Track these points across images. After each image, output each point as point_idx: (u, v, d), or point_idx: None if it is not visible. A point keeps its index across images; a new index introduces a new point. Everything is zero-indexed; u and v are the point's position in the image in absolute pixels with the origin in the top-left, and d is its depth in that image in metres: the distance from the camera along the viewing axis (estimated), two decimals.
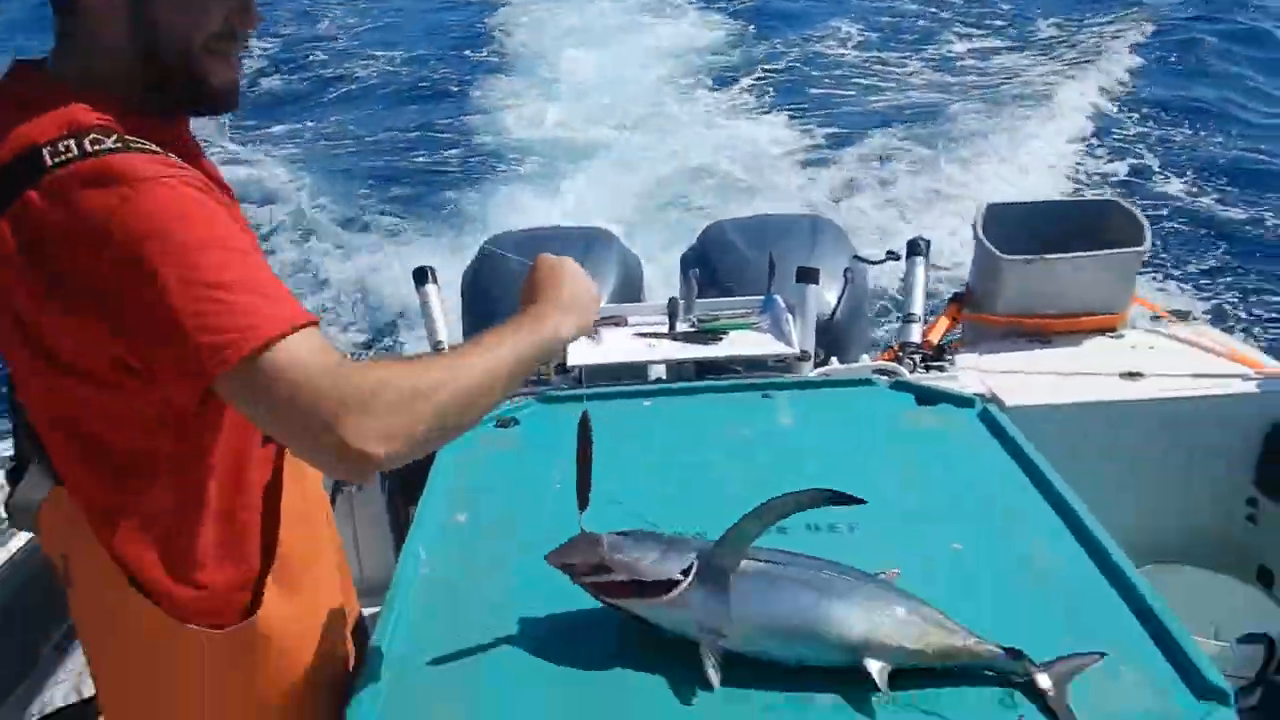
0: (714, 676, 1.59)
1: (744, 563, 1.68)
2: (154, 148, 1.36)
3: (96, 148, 1.31)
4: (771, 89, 12.90)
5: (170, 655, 1.58)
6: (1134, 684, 1.58)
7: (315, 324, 1.34)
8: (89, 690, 2.58)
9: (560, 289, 1.61)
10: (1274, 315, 7.63)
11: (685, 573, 1.65)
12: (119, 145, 1.32)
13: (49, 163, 1.30)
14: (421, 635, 1.80)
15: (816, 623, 1.61)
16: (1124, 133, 11.08)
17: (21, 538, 2.96)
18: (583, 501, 1.72)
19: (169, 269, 1.26)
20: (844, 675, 1.60)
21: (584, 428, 1.74)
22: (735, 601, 1.64)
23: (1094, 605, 1.78)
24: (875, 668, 1.57)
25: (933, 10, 16.33)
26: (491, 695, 1.65)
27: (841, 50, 14.59)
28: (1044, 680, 1.56)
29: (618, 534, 1.72)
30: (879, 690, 1.56)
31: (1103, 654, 1.60)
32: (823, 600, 1.63)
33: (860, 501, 1.70)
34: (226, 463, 1.56)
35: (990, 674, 1.61)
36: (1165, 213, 9.10)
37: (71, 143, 1.31)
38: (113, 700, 1.71)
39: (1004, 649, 1.59)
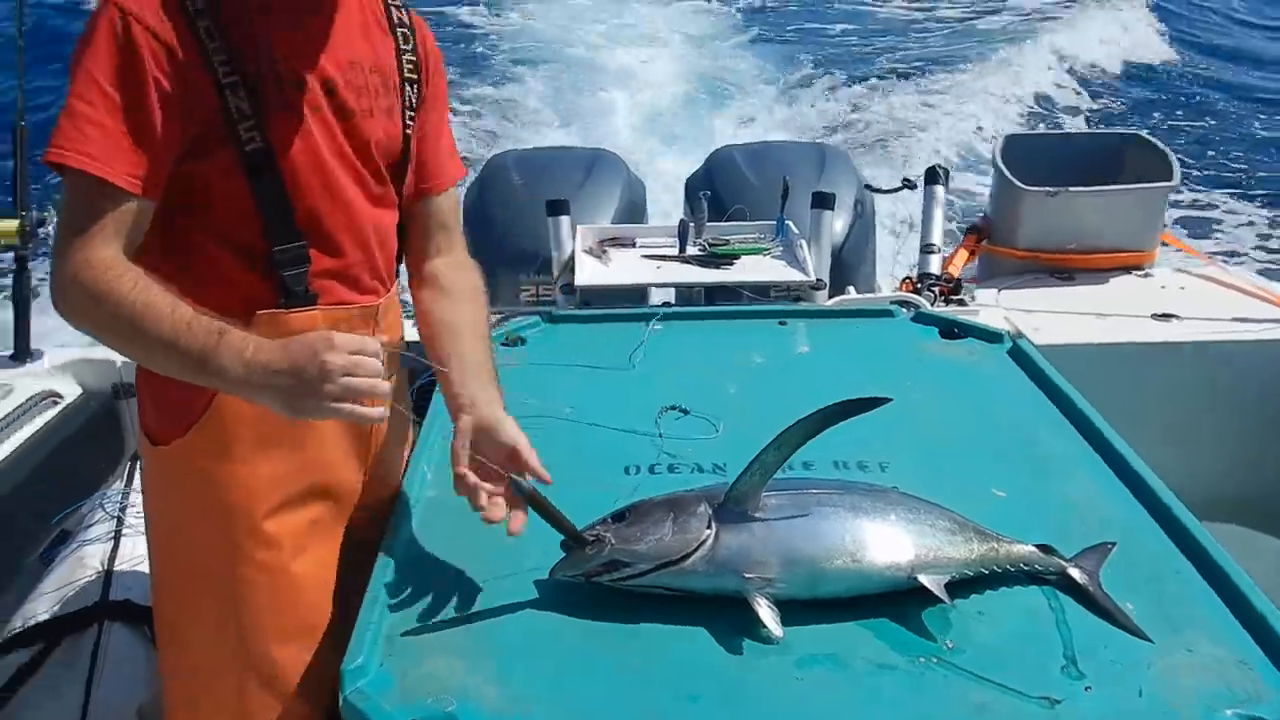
0: (775, 626, 1.46)
1: (765, 499, 1.57)
2: None
3: None
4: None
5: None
6: (1212, 657, 1.44)
7: (94, 177, 1.52)
8: (75, 606, 2.52)
9: (276, 367, 1.49)
10: None
11: (706, 528, 1.53)
12: None
13: None
14: (424, 564, 1.69)
15: (864, 546, 1.53)
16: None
17: (14, 442, 2.88)
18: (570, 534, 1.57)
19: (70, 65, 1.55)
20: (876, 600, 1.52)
21: (535, 502, 1.57)
22: (773, 541, 1.53)
23: (1156, 563, 1.66)
24: (933, 583, 1.50)
25: None
26: (503, 641, 1.51)
27: None
28: (1077, 573, 1.58)
29: (614, 520, 1.57)
30: (930, 607, 1.51)
31: (1114, 543, 1.64)
32: (863, 521, 1.56)
33: (885, 400, 1.60)
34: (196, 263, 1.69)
35: (1023, 573, 1.60)
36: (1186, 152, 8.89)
37: None
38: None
39: (1038, 546, 1.60)
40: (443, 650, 1.48)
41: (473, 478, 1.59)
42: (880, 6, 13.33)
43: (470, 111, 9.70)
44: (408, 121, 1.85)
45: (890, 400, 1.62)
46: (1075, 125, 9.40)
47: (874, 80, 10.51)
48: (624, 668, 1.44)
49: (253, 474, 1.71)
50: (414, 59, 1.86)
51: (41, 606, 2.56)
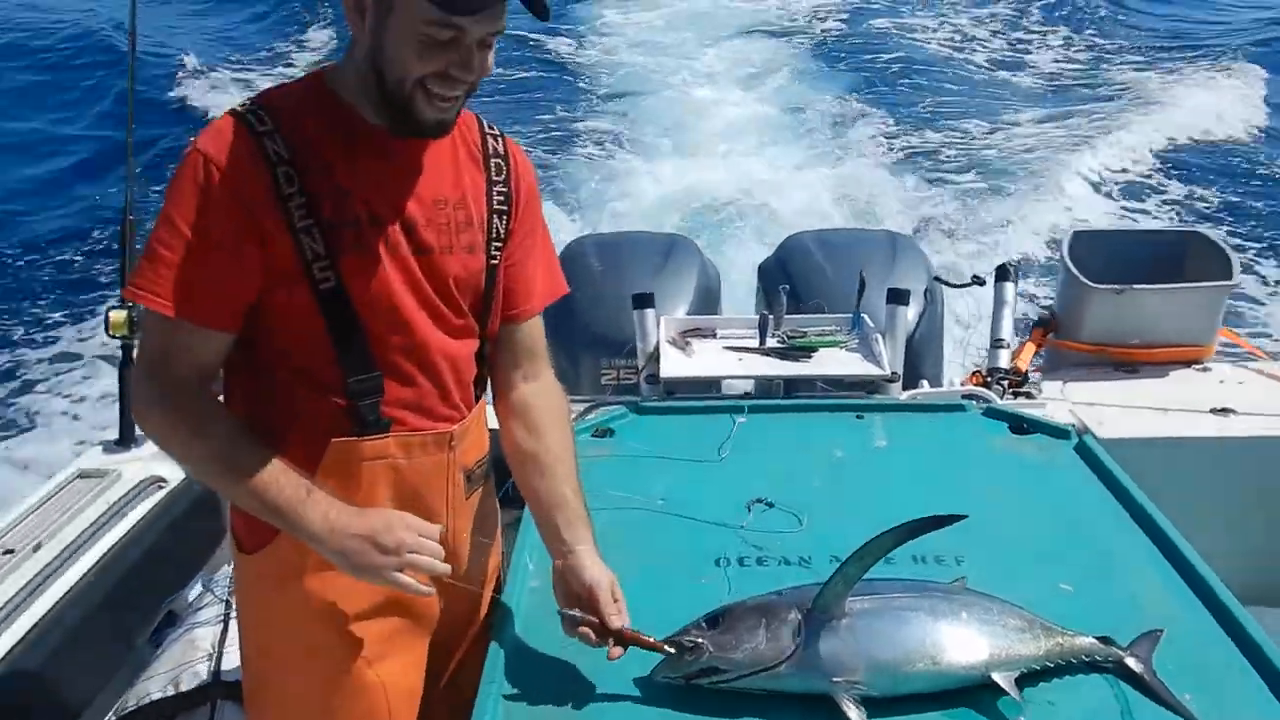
0: (860, 718, 1.60)
1: (850, 604, 1.70)
2: (262, 122, 1.71)
3: (239, 106, 1.75)
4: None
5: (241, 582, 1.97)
6: None
7: (161, 315, 1.67)
8: (186, 685, 2.64)
9: (347, 538, 1.67)
10: None
11: (796, 635, 1.66)
12: (240, 113, 1.72)
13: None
14: (532, 656, 1.84)
15: (942, 649, 1.66)
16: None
17: (122, 527, 3.04)
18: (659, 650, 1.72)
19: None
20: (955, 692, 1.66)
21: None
22: (860, 646, 1.66)
23: (1208, 652, 1.79)
24: (1005, 680, 1.64)
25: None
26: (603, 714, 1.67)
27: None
28: (1135, 663, 1.72)
29: (709, 625, 1.70)
30: (1004, 697, 1.64)
31: (1163, 630, 1.78)
32: (940, 625, 1.69)
33: (962, 517, 1.74)
34: (271, 391, 1.81)
35: (1084, 663, 1.73)
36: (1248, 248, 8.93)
37: (253, 99, 1.77)
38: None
39: (1098, 638, 1.75)
40: None
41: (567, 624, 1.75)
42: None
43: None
44: (493, 254, 1.91)
45: (966, 517, 1.75)
46: (1155, 210, 9.47)
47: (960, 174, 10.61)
48: None
49: (331, 585, 1.79)
50: (505, 190, 1.93)
51: (154, 686, 2.63)
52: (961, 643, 1.67)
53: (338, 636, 1.84)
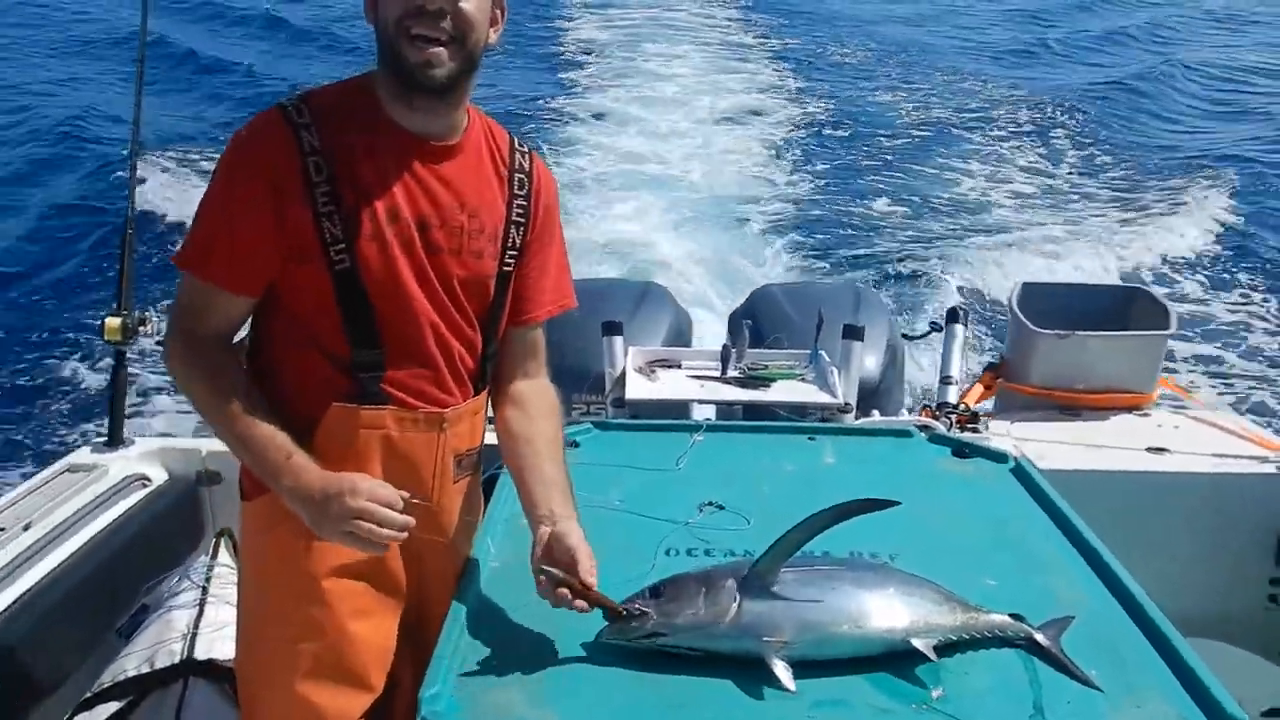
0: (788, 681, 1.73)
1: (783, 574, 1.85)
2: (301, 115, 1.92)
3: (284, 100, 1.95)
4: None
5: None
6: (1158, 712, 1.71)
7: (193, 275, 1.95)
8: (160, 664, 2.75)
9: (312, 494, 1.84)
10: None
11: (732, 600, 1.80)
12: (284, 106, 1.94)
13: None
14: (490, 616, 1.98)
15: (865, 614, 1.81)
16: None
17: (106, 518, 3.16)
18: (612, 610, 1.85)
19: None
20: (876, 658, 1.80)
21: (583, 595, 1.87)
22: (789, 610, 1.80)
23: (1118, 638, 1.94)
24: (924, 645, 1.78)
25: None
26: (557, 681, 1.79)
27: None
28: (1043, 638, 1.86)
29: (652, 595, 1.84)
30: (922, 666, 1.78)
31: (1074, 616, 1.92)
32: (864, 593, 1.84)
33: (894, 503, 1.90)
34: (286, 359, 2.02)
35: (999, 639, 1.88)
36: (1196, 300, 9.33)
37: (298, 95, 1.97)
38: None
39: (1010, 615, 1.89)
40: (506, 686, 1.77)
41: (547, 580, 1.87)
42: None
43: None
44: (506, 262, 2.09)
45: (899, 504, 1.91)
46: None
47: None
48: (663, 706, 1.71)
49: (308, 534, 1.91)
50: (525, 204, 2.10)
51: (129, 665, 2.77)
52: (883, 609, 1.81)
53: (314, 583, 1.99)
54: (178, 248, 1.98)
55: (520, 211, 2.11)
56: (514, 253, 2.11)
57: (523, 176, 2.12)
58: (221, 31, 20.41)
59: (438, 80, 1.89)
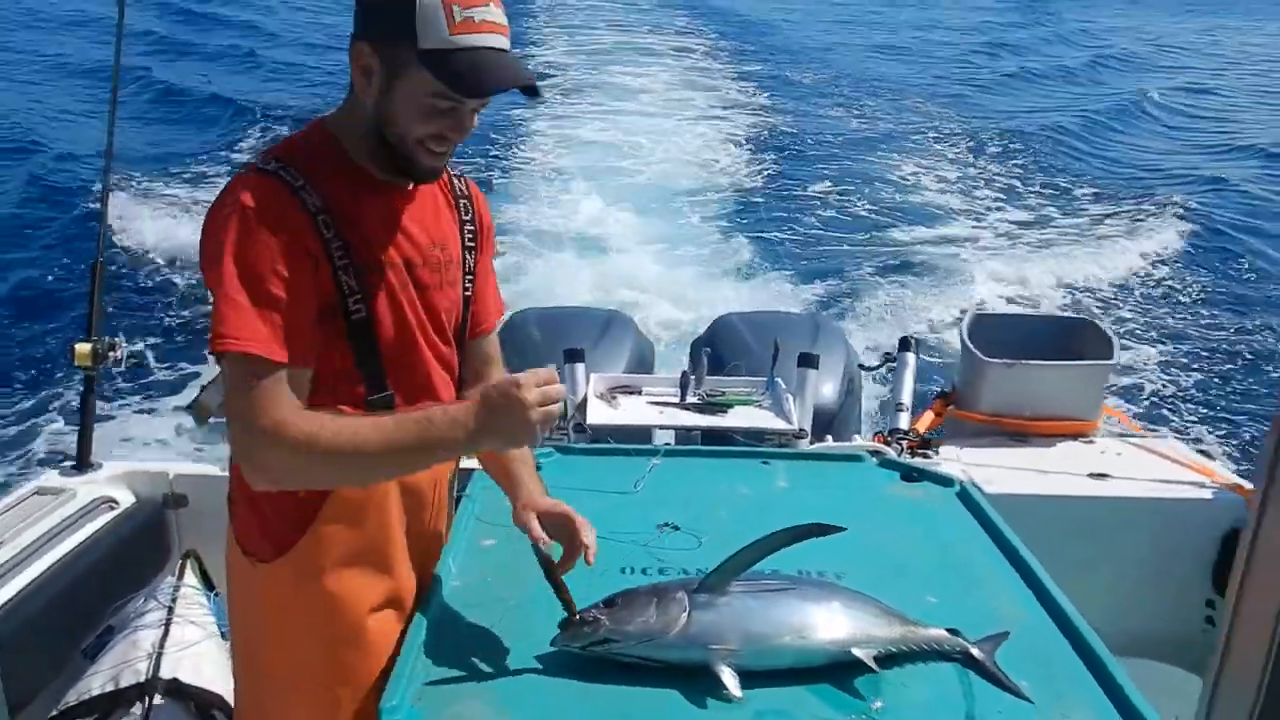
0: (734, 688, 1.81)
1: (733, 586, 1.94)
2: (295, 178, 1.89)
3: (262, 164, 1.92)
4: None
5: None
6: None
7: (260, 357, 1.79)
8: (125, 683, 2.80)
9: (485, 418, 1.82)
10: (1232, 432, 8.23)
11: (682, 611, 1.89)
12: (270, 168, 1.90)
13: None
14: (451, 629, 2.07)
15: (808, 626, 1.90)
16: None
17: (72, 540, 3.21)
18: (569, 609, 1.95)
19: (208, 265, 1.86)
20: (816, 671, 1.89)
21: (550, 571, 1.99)
22: (736, 621, 1.89)
23: (1050, 652, 2.04)
24: (865, 655, 1.87)
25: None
26: (513, 691, 1.87)
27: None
28: (977, 651, 1.96)
29: (607, 605, 1.92)
30: (862, 677, 1.87)
31: (1008, 632, 2.01)
32: (807, 605, 1.94)
33: (841, 529, 2.01)
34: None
35: (937, 653, 1.97)
36: (1141, 333, 9.60)
37: (268, 157, 1.94)
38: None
39: (947, 630, 1.99)
40: (465, 697, 1.85)
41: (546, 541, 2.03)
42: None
43: None
44: (466, 285, 2.18)
45: (846, 530, 2.03)
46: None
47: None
48: (615, 715, 1.80)
49: (347, 582, 2.04)
50: (473, 228, 2.20)
51: (95, 684, 2.82)
52: (826, 621, 1.91)
53: (357, 630, 2.06)
54: (221, 334, 1.80)
55: (470, 235, 2.20)
56: (470, 276, 2.21)
57: (466, 201, 2.22)
58: (190, 60, 20.56)
59: (439, 175, 2.03)
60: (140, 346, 6.84)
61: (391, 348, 2.02)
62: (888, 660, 1.92)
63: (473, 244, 2.21)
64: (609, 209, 12.57)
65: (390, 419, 1.87)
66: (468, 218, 2.21)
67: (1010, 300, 10.50)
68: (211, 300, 1.84)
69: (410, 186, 2.05)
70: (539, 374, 1.82)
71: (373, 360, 2.00)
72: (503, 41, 1.86)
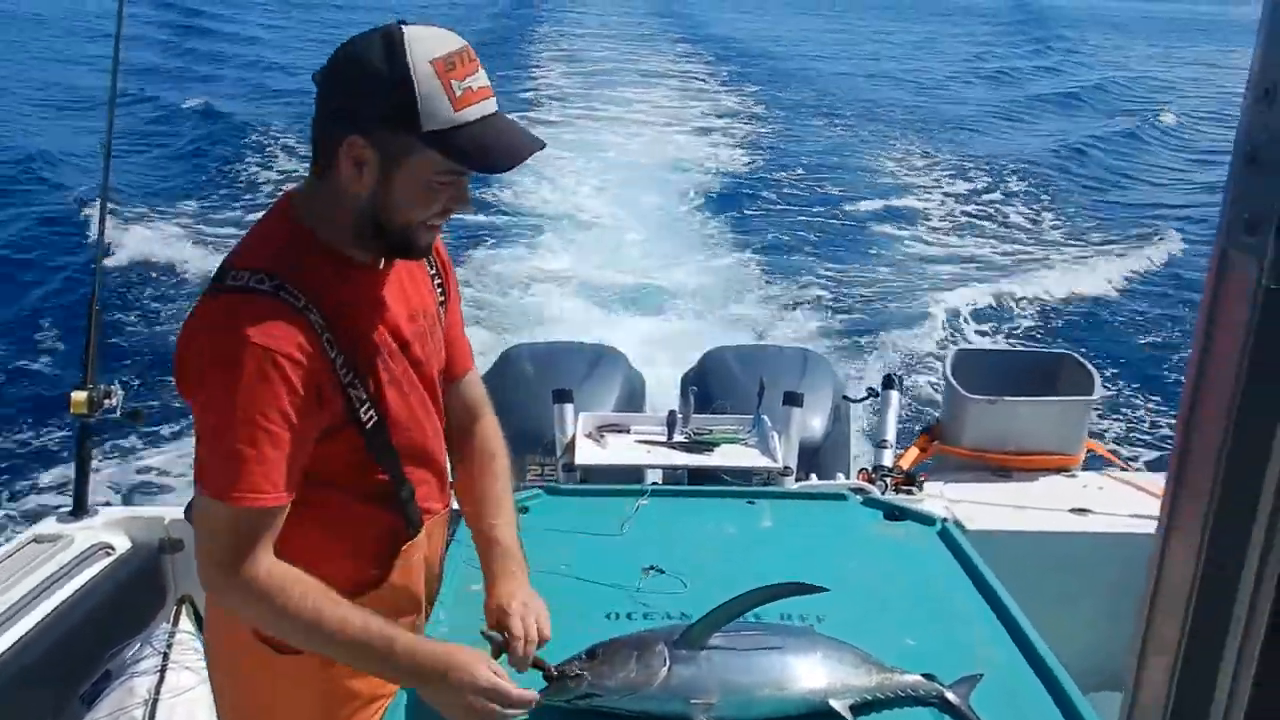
0: None
1: (714, 637, 1.99)
2: (295, 297, 1.82)
3: (254, 282, 1.82)
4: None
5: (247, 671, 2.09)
6: None
7: (269, 509, 1.80)
8: None
9: (436, 690, 1.85)
10: None
11: (662, 664, 1.94)
12: (267, 289, 1.81)
13: (225, 282, 1.84)
14: None
15: (786, 677, 1.95)
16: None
17: (70, 588, 3.25)
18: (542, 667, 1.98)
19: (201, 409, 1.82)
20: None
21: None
22: (715, 673, 1.94)
23: (1023, 696, 2.08)
24: (841, 706, 1.92)
25: None
26: None
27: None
28: (953, 696, 2.00)
29: (589, 657, 1.95)
30: None
31: (982, 674, 2.04)
32: (785, 656, 1.99)
33: (822, 589, 2.05)
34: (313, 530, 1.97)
35: (914, 698, 2.01)
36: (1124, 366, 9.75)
37: (256, 270, 1.83)
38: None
39: (923, 675, 2.02)
40: None
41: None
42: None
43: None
44: (440, 337, 2.17)
45: (826, 590, 2.07)
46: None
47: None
48: None
49: (353, 678, 2.07)
50: (441, 282, 2.17)
51: None
52: (802, 672, 1.96)
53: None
54: (207, 478, 1.80)
55: (440, 290, 2.19)
56: (442, 328, 2.20)
57: (431, 256, 2.15)
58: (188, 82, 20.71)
59: (431, 249, 2.03)
60: (135, 384, 6.96)
61: (401, 437, 2.04)
62: (864, 708, 1.97)
63: (443, 298, 2.20)
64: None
65: (359, 617, 1.84)
66: (433, 272, 2.17)
67: (994, 329, 10.59)
68: (204, 436, 1.83)
69: (383, 262, 2.01)
70: (512, 696, 1.83)
71: (389, 455, 2.03)
72: (495, 104, 1.82)
